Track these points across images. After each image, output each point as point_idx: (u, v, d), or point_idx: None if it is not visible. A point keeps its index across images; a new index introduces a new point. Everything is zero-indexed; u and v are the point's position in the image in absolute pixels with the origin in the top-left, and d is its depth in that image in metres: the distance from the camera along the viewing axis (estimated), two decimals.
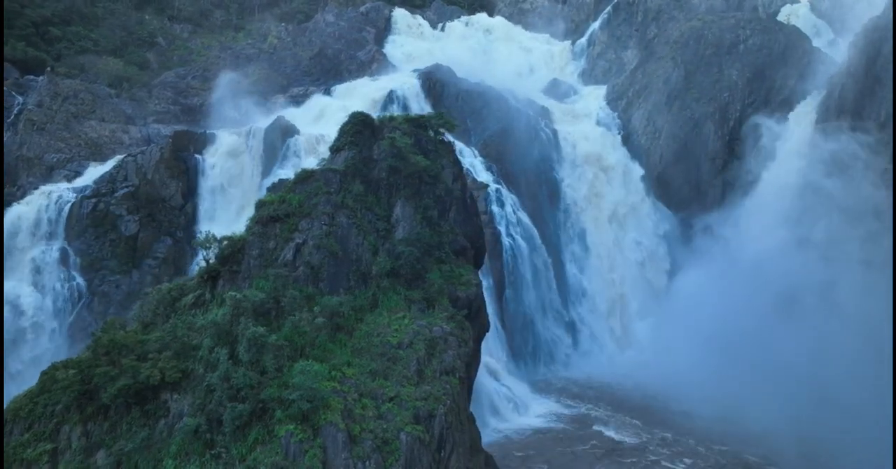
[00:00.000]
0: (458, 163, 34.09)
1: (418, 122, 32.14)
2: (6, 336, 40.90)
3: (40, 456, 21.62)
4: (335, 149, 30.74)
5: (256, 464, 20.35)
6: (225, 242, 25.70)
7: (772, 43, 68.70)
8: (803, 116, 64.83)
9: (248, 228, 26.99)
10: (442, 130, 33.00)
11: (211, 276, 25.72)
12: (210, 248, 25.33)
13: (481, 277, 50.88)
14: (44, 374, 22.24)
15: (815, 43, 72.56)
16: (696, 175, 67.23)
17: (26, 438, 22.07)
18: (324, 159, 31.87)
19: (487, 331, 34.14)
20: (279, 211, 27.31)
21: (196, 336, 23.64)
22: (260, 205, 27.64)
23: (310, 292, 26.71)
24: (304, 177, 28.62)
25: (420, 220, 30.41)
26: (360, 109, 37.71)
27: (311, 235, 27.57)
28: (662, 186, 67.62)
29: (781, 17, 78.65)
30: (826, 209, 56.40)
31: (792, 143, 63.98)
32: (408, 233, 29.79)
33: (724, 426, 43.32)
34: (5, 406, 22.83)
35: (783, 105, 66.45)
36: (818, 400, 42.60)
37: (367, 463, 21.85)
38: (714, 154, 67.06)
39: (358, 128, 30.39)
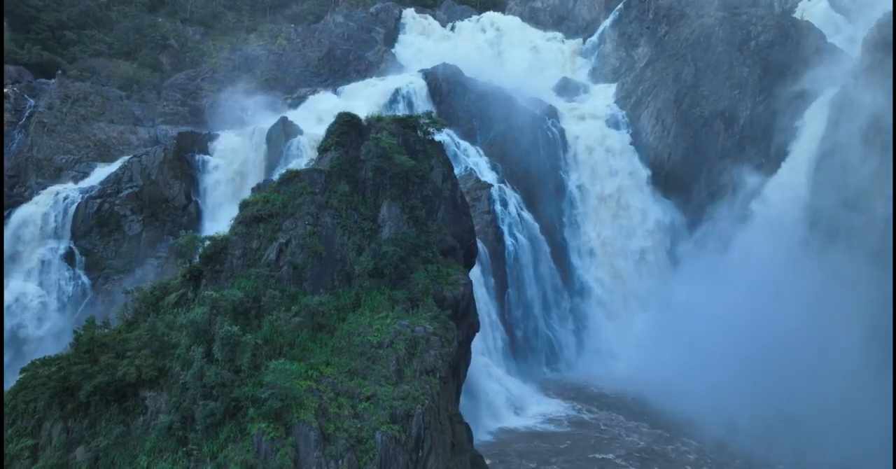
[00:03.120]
0: (448, 162, 34.02)
1: (406, 122, 32.15)
2: (13, 333, 41.89)
3: (21, 451, 22.10)
4: (322, 149, 30.93)
5: (227, 461, 20.54)
6: (207, 243, 25.95)
7: (784, 39, 67.42)
8: (817, 114, 63.49)
9: (232, 228, 27.26)
10: (431, 130, 32.94)
11: (194, 275, 26.04)
12: (193, 248, 25.60)
13: (482, 277, 51.27)
14: (24, 370, 22.73)
15: (834, 39, 70.94)
16: (705, 174, 66.26)
17: (9, 434, 22.57)
18: (311, 159, 32.05)
19: (477, 331, 34.07)
20: (263, 211, 27.55)
21: (176, 335, 23.97)
22: (244, 205, 27.90)
23: (293, 292, 26.89)
24: (289, 177, 28.83)
25: (407, 220, 30.41)
26: (365, 109, 37.89)
27: (294, 235, 27.76)
28: (671, 186, 66.83)
29: (798, 13, 77.11)
30: (837, 212, 55.19)
31: (805, 142, 62.79)
32: (394, 233, 29.83)
33: (729, 431, 42.72)
34: None
35: (796, 103, 65.12)
36: (828, 403, 41.79)
37: (340, 462, 21.91)
38: (724, 153, 66.01)
39: (344, 128, 30.50)
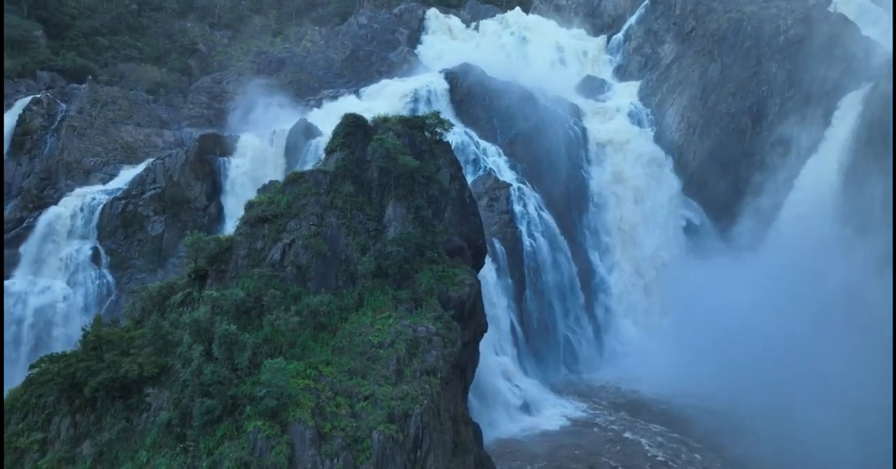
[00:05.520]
0: (456, 163, 33.97)
1: (413, 123, 32.23)
2: (41, 331, 43.40)
3: (31, 445, 22.88)
4: (328, 150, 31.23)
5: (222, 458, 20.93)
6: (212, 244, 26.46)
7: (815, 33, 65.40)
8: (849, 109, 61.50)
9: (237, 229, 27.74)
10: (438, 130, 32.94)
11: (199, 275, 26.57)
12: (198, 248, 26.12)
13: (499, 277, 51.07)
14: (33, 366, 23.52)
15: (870, 31, 68.38)
16: (732, 172, 64.74)
17: (20, 428, 23.39)
18: (319, 161, 32.41)
19: (485, 331, 33.88)
20: (267, 211, 27.96)
21: (180, 333, 24.51)
22: (249, 206, 28.37)
23: (296, 292, 27.20)
24: (294, 178, 29.20)
25: (412, 221, 30.48)
26: (385, 110, 38.11)
27: (298, 236, 28.09)
28: (696, 184, 65.48)
29: (833, 5, 74.59)
30: (868, 212, 53.35)
31: (835, 138, 60.88)
32: (398, 233, 29.94)
33: (746, 436, 41.66)
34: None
35: (827, 98, 63.15)
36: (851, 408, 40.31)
37: (336, 460, 22.09)
38: (751, 150, 64.42)
39: (349, 129, 30.73)
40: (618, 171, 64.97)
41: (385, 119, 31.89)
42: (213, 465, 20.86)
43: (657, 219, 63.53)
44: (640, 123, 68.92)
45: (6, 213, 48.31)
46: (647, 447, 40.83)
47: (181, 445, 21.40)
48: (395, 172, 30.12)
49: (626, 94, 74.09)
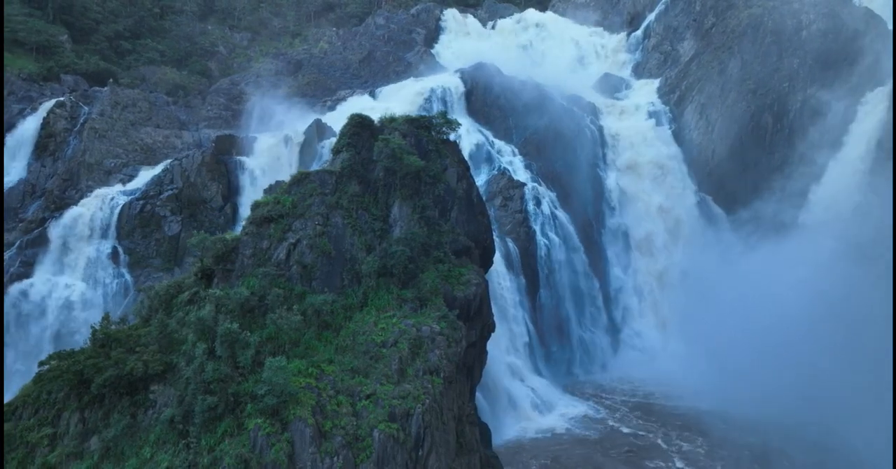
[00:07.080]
0: (463, 162, 33.97)
1: (419, 123, 32.31)
2: (60, 329, 44.40)
3: (41, 440, 23.44)
4: (335, 150, 31.43)
5: (222, 455, 21.21)
6: (218, 243, 26.79)
7: (838, 27, 63.99)
8: (874, 106, 60.05)
9: (243, 229, 28.07)
10: (445, 130, 32.96)
11: (206, 274, 26.94)
12: (203, 248, 26.48)
13: (513, 277, 50.90)
14: (42, 363, 24.07)
15: None
16: (752, 171, 63.61)
17: (31, 423, 23.97)
18: (325, 161, 32.60)
19: (493, 331, 33.86)
20: (273, 212, 28.23)
21: (186, 331, 24.88)
22: (255, 206, 28.67)
23: (300, 291, 27.45)
24: (300, 178, 29.44)
25: (418, 220, 30.56)
26: (400, 110, 38.24)
27: (304, 235, 28.34)
28: (715, 183, 64.46)
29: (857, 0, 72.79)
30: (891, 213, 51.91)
31: (859, 136, 59.46)
32: (404, 232, 30.02)
33: (764, 438, 40.99)
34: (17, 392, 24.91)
35: (851, 94, 61.72)
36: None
37: (336, 458, 22.25)
38: (772, 148, 63.24)
39: (356, 130, 30.89)
40: (634, 170, 64.23)
41: (391, 119, 32.01)
42: (213, 462, 21.15)
43: (675, 217, 62.67)
44: (658, 121, 68.08)
45: (29, 213, 49.59)
46: (661, 448, 40.29)
47: (183, 442, 21.73)
48: (400, 172, 30.22)
49: (644, 91, 73.29)
